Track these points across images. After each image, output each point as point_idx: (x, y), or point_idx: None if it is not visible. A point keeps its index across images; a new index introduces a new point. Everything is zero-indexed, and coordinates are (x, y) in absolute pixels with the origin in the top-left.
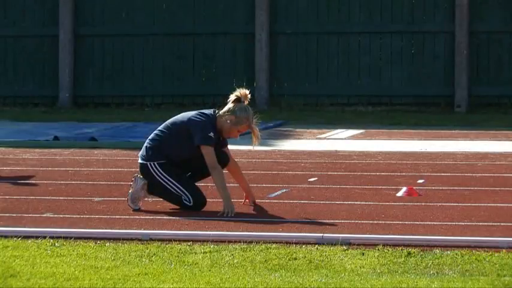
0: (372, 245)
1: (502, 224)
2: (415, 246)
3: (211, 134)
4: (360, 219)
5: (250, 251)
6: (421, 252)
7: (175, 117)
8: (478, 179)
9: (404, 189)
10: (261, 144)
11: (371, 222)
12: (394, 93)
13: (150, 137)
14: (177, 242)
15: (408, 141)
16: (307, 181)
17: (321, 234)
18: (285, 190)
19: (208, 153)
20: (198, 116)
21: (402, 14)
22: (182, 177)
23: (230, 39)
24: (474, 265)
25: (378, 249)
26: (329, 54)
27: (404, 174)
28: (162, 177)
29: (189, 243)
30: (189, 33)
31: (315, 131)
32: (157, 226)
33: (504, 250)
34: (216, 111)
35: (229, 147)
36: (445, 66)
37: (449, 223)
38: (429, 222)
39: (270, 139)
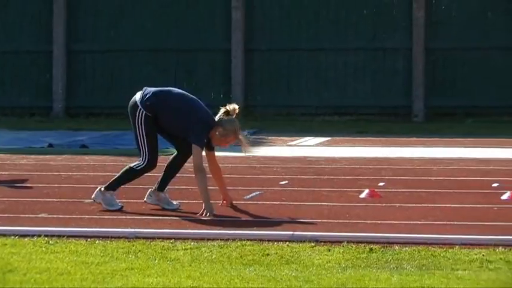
0: (337, 242)
1: (455, 222)
2: (377, 243)
3: (205, 140)
4: (326, 218)
5: (227, 247)
6: (382, 249)
7: (192, 99)
8: (434, 182)
9: (366, 191)
10: (236, 151)
11: (337, 221)
12: (359, 104)
13: (158, 90)
14: (161, 240)
15: (371, 148)
16: (279, 184)
17: (291, 232)
18: (258, 192)
19: (197, 153)
20: (204, 119)
21: (365, 32)
22: (153, 138)
23: (209, 55)
24: (430, 260)
25: (343, 246)
26: (299, 69)
27: (367, 177)
28: (140, 126)
29: (171, 241)
30: (172, 49)
31: (286, 138)
32: (143, 225)
33: (457, 246)
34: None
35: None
36: (403, 80)
37: (408, 222)
38: (389, 221)
39: None
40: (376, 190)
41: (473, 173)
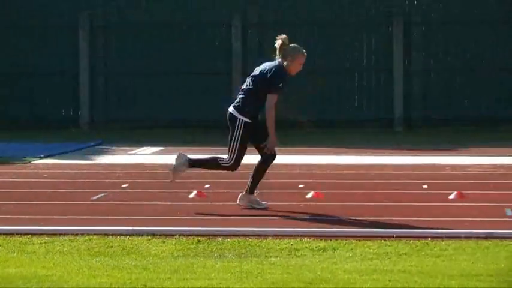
0: (170, 235)
1: (268, 218)
2: (204, 235)
3: (281, 85)
4: (162, 215)
5: (76, 241)
6: (208, 240)
7: (261, 67)
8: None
9: (195, 192)
10: (84, 159)
11: (170, 217)
12: (191, 118)
13: (240, 97)
14: (19, 235)
15: (197, 155)
16: (121, 187)
17: (131, 227)
18: (103, 194)
19: (273, 98)
20: (276, 68)
21: (192, 59)
22: (243, 148)
23: (61, 78)
24: (248, 249)
25: (175, 238)
26: (142, 90)
27: (195, 180)
28: (238, 132)
29: (28, 236)
30: (31, 73)
31: (127, 148)
32: (3, 223)
33: (270, 237)
34: (280, 61)
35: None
36: (223, 98)
37: (230, 217)
38: (214, 217)
39: (91, 155)
40: (202, 191)
41: (283, 176)
